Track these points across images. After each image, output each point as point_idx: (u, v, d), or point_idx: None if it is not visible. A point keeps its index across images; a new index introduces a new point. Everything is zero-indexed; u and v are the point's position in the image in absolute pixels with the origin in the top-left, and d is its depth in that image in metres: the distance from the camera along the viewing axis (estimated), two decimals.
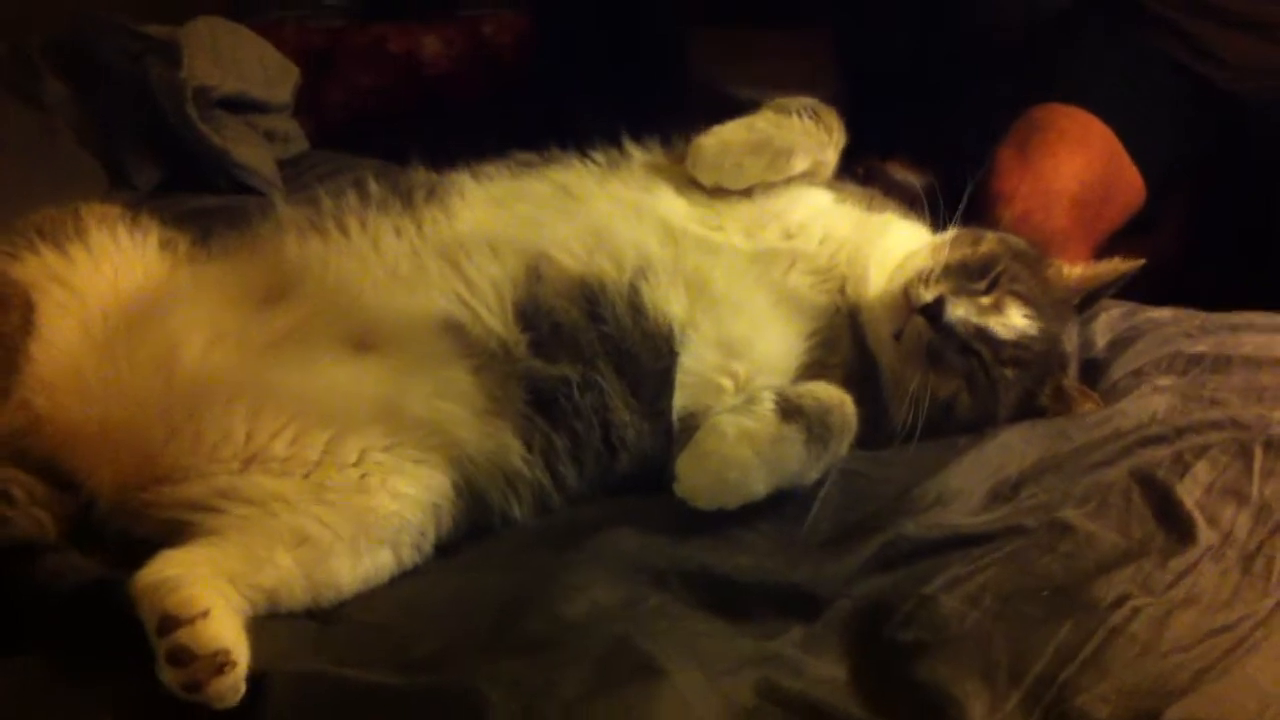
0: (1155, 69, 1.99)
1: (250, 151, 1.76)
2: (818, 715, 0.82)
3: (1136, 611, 0.88)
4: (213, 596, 0.88)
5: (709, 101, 2.45)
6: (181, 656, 0.84)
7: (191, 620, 0.85)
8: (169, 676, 0.84)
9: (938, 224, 1.28)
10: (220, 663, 0.84)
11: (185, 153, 1.74)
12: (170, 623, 0.85)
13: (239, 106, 1.82)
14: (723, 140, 1.24)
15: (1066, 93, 2.02)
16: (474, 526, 1.07)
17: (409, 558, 1.03)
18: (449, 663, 0.87)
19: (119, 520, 1.04)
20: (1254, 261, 1.96)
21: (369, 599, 0.99)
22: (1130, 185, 2.09)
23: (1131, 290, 1.37)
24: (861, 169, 1.78)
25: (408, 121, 2.51)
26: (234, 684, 0.84)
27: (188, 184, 1.73)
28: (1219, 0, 1.95)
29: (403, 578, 1.02)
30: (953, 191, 1.39)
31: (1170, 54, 1.96)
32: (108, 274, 1.18)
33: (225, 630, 0.86)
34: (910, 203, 1.37)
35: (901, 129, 2.16)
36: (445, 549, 1.05)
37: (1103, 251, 1.65)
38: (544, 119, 2.42)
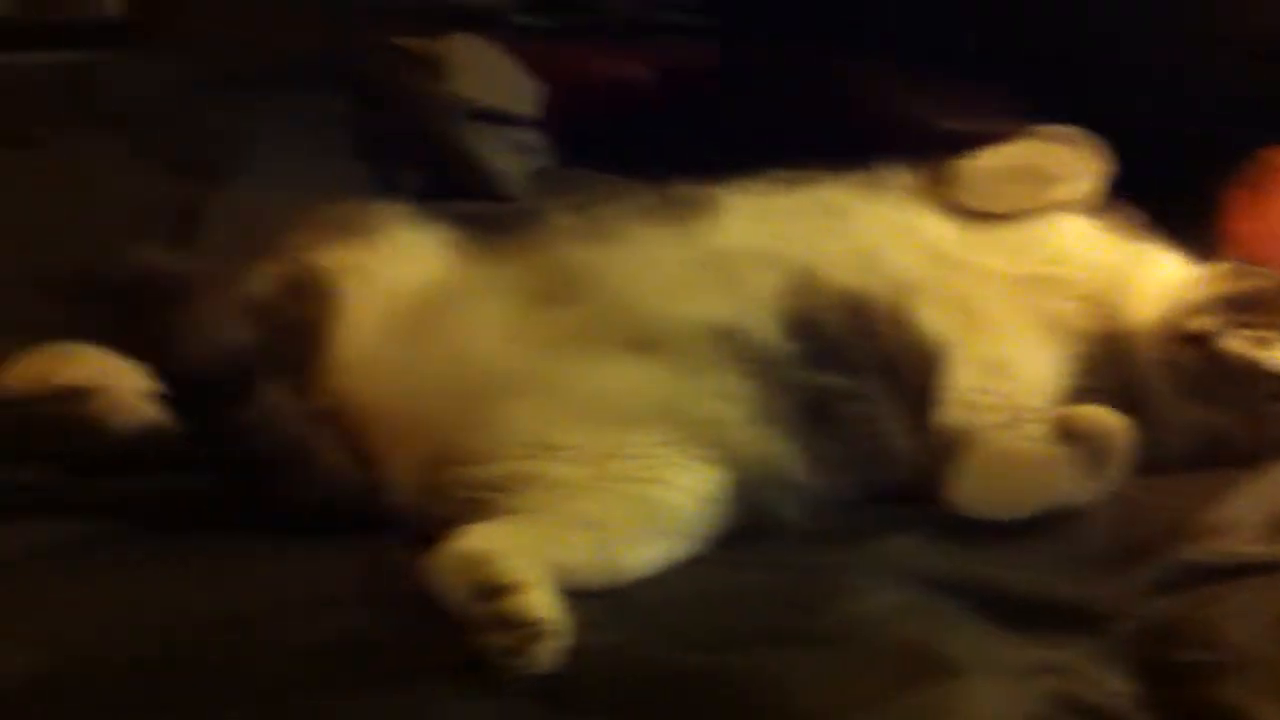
0: None
1: (505, 161, 1.87)
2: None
3: None
4: (528, 569, 0.94)
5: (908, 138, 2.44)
6: (504, 622, 0.90)
7: (515, 589, 0.91)
8: (489, 641, 0.90)
9: (1198, 259, 1.30)
10: (540, 632, 0.90)
11: (444, 161, 1.85)
12: (493, 590, 0.92)
13: (493, 118, 1.93)
14: (987, 165, 1.28)
15: None
16: (749, 525, 1.11)
17: (687, 548, 1.08)
18: (739, 650, 0.92)
19: (419, 498, 1.12)
20: None
21: (652, 584, 1.04)
22: None
23: None
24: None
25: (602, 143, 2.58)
26: (552, 650, 0.90)
27: (445, 191, 1.84)
28: None
29: (684, 567, 1.07)
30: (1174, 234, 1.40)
31: None
32: (401, 268, 1.27)
33: (544, 602, 0.92)
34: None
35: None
36: (723, 544, 1.10)
37: None
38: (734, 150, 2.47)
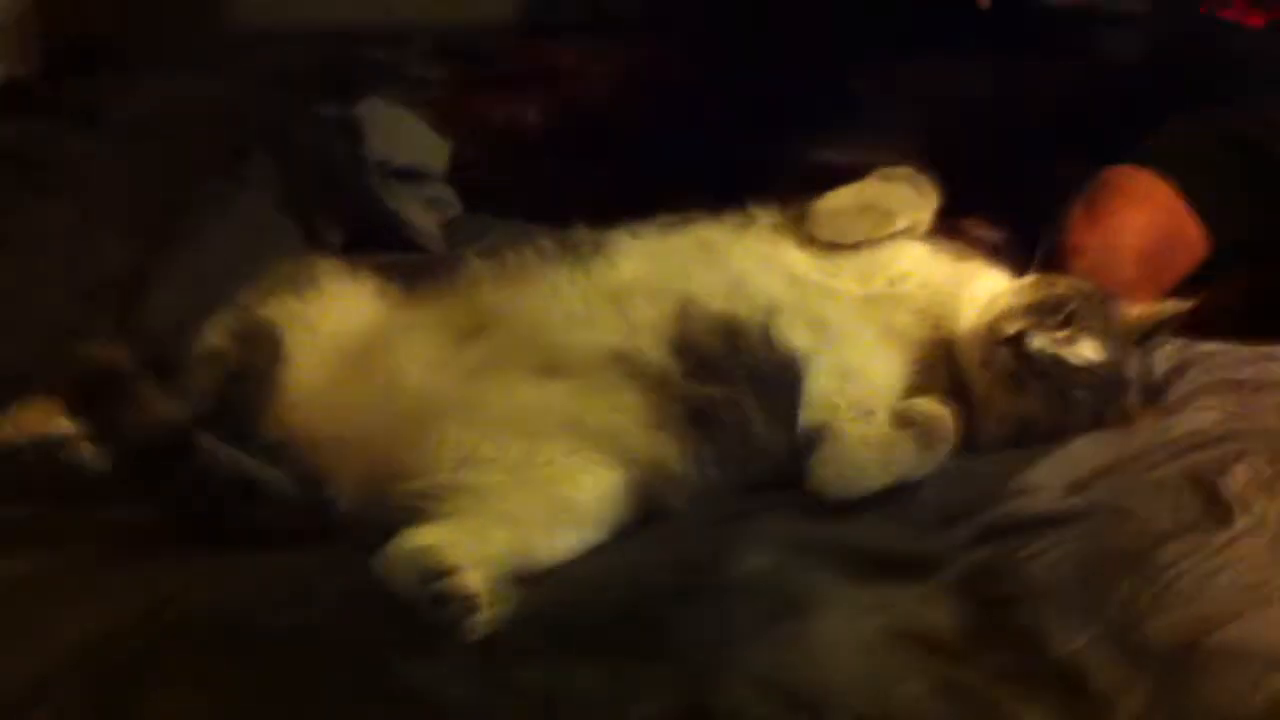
0: (1228, 147, 2.17)
1: (420, 215, 2.06)
2: (932, 644, 1.06)
3: (1184, 573, 1.11)
4: (463, 556, 1.13)
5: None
6: (445, 599, 1.09)
7: (451, 572, 1.10)
8: (435, 615, 1.09)
9: (1016, 272, 1.53)
10: (475, 604, 1.09)
11: (364, 216, 2.03)
12: (433, 575, 1.10)
13: (406, 175, 2.12)
14: (836, 204, 1.50)
15: (1137, 158, 2.22)
16: (644, 515, 1.30)
17: (594, 537, 1.26)
18: (643, 605, 1.12)
19: (364, 510, 1.30)
20: None
21: (565, 569, 1.23)
22: (1193, 240, 2.29)
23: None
24: (942, 226, 2.01)
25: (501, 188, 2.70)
26: (486, 620, 1.09)
27: (367, 245, 2.02)
28: None
29: (591, 554, 1.25)
30: (1025, 246, 1.62)
31: (1246, 133, 2.13)
32: (338, 315, 1.44)
33: (476, 580, 1.11)
34: (990, 255, 1.61)
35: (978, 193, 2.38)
36: (622, 533, 1.29)
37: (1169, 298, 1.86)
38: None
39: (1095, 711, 0.98)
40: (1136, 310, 1.48)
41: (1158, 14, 2.46)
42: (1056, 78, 2.54)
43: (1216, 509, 1.22)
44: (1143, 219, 2.22)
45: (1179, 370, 1.55)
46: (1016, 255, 1.58)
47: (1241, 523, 1.20)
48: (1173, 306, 1.51)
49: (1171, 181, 2.24)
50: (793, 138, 2.64)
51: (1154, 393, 1.50)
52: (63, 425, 1.35)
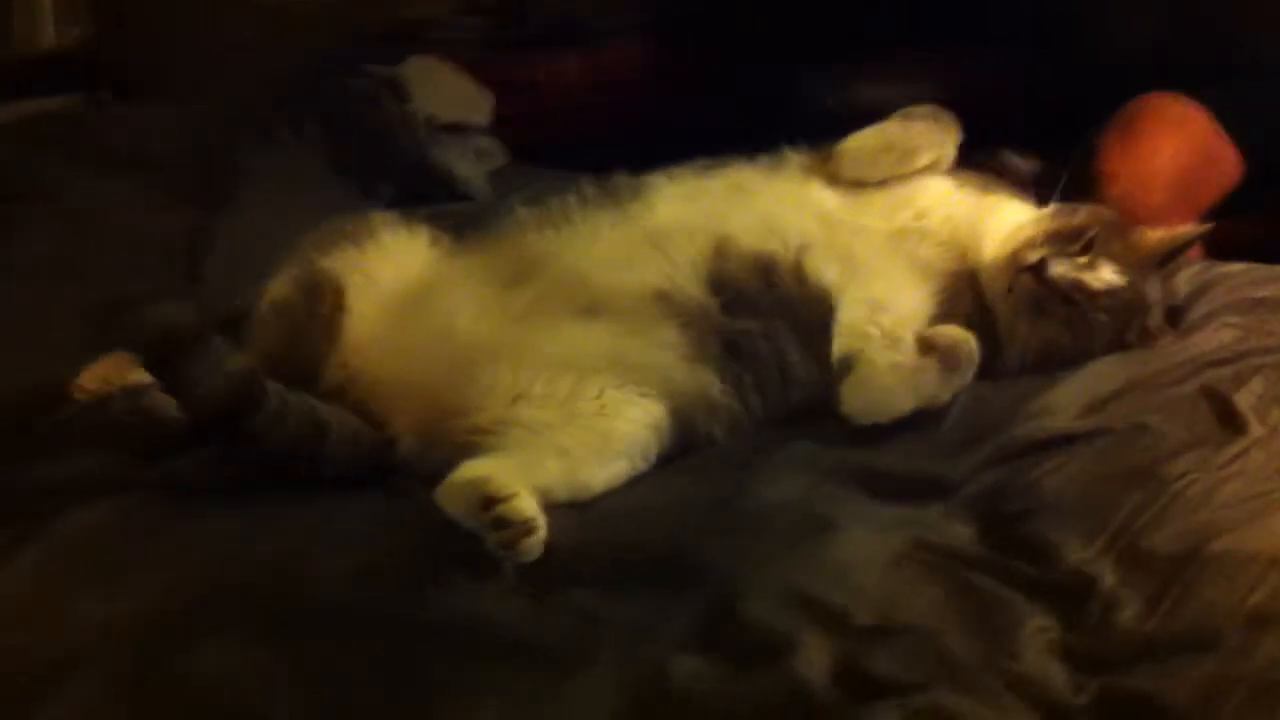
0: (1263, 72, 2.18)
1: (466, 167, 2.14)
2: (952, 555, 1.13)
3: (1194, 482, 1.18)
4: (515, 484, 1.22)
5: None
6: (501, 523, 1.18)
7: (506, 499, 1.19)
8: (492, 539, 1.18)
9: (1043, 202, 1.58)
10: (529, 528, 1.17)
11: (413, 171, 2.12)
12: (491, 501, 1.19)
13: (452, 130, 2.20)
14: (860, 144, 1.56)
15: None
16: (686, 444, 1.38)
17: (640, 467, 1.35)
18: (681, 529, 1.20)
19: (422, 447, 1.40)
20: None
21: (612, 496, 1.32)
22: (1227, 165, 2.30)
23: None
24: (981, 156, 2.05)
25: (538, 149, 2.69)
26: (538, 542, 1.18)
27: (416, 198, 2.10)
28: None
29: (636, 481, 1.34)
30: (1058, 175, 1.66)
31: None
32: (394, 265, 1.52)
33: (529, 506, 1.19)
34: (1024, 185, 1.66)
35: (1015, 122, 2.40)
36: (666, 461, 1.37)
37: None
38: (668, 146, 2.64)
39: (1099, 612, 1.05)
40: (1155, 235, 1.53)
41: None
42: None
43: (1230, 423, 1.28)
44: (1176, 144, 2.24)
45: (1201, 291, 1.60)
46: (1050, 184, 1.63)
47: (1254, 433, 1.26)
48: (1193, 230, 1.56)
49: (1205, 106, 2.26)
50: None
51: (1176, 314, 1.55)
52: (144, 376, 1.43)
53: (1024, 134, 2.41)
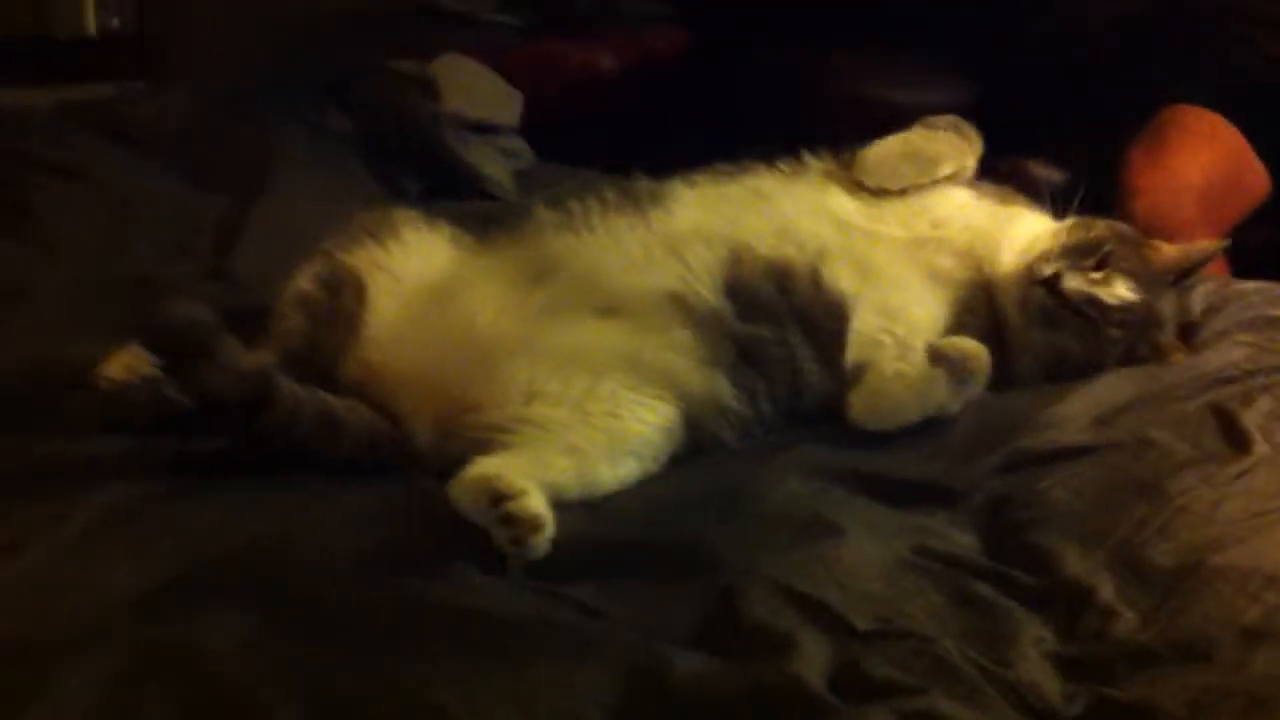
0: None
1: (493, 166, 2.16)
2: (954, 562, 1.15)
3: (1197, 498, 1.19)
4: (525, 481, 1.24)
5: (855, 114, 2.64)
6: (510, 520, 1.19)
7: (515, 496, 1.21)
8: (500, 535, 1.20)
9: (1064, 215, 1.59)
10: (537, 525, 1.19)
11: (441, 169, 2.15)
12: (500, 498, 1.20)
13: (481, 129, 2.22)
14: (882, 152, 1.57)
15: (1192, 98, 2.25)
16: (697, 447, 1.40)
17: (650, 468, 1.36)
18: (687, 527, 1.22)
19: (438, 442, 1.42)
20: None
21: (618, 496, 1.33)
22: (1255, 179, 2.31)
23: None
24: (1005, 167, 2.06)
25: (578, 131, 2.71)
26: (545, 540, 1.19)
27: (443, 194, 2.13)
28: None
29: (646, 481, 1.35)
30: (1090, 186, 1.67)
31: None
32: (416, 261, 1.54)
33: (538, 504, 1.20)
34: (1043, 197, 1.67)
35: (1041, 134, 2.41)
36: (676, 462, 1.38)
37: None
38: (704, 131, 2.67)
39: (1097, 622, 1.06)
40: (1172, 251, 1.54)
41: None
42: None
43: (1236, 440, 1.29)
44: (1205, 159, 2.25)
45: (1216, 308, 1.60)
46: (1074, 196, 1.64)
47: (1259, 451, 1.27)
48: (1209, 246, 1.57)
49: (1235, 122, 2.26)
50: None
51: (1190, 330, 1.56)
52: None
53: (1049, 144, 2.43)
